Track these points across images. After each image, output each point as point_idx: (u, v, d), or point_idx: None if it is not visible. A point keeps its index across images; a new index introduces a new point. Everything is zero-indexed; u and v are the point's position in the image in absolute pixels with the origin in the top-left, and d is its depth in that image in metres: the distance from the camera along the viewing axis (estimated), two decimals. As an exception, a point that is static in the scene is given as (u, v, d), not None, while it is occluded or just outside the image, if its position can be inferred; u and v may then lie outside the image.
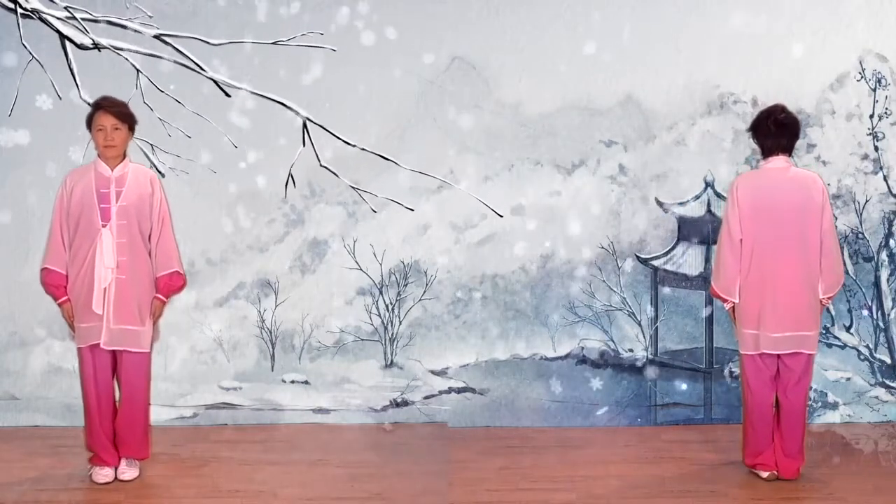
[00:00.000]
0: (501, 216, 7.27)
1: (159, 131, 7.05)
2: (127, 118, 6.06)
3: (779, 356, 6.04)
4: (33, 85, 7.03)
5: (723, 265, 6.07)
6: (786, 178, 6.00)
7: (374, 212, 7.25)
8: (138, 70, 7.00)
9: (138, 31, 6.99)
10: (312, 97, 7.17)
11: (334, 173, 7.14)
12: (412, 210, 7.24)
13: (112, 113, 6.00)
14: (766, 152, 6.07)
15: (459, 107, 7.28)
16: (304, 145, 7.12)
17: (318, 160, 7.13)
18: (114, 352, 6.08)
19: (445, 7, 7.23)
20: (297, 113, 7.11)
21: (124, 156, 6.10)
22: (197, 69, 7.01)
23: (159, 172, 6.99)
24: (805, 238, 5.94)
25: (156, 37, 6.99)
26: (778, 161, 6.03)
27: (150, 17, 7.06)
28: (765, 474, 6.10)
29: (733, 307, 6.10)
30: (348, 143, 7.13)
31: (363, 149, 7.13)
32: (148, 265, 6.09)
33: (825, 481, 6.08)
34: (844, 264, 6.61)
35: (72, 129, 7.02)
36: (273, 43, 7.08)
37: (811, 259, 5.96)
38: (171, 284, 6.17)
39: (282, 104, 7.11)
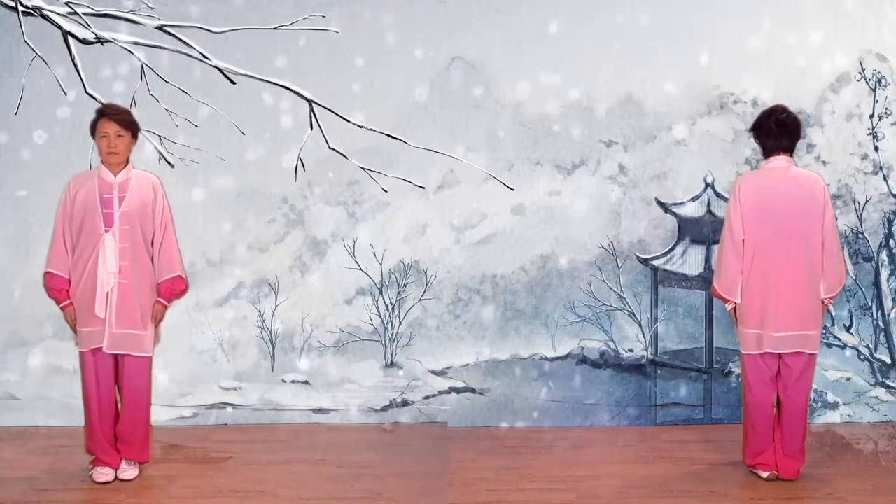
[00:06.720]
0: (513, 189, 7.24)
1: (166, 122, 7.06)
2: (130, 125, 6.09)
3: (780, 355, 6.04)
4: (37, 82, 7.04)
5: (725, 265, 6.07)
6: (787, 177, 6.01)
7: (385, 191, 7.23)
8: (143, 62, 7.01)
9: (140, 23, 6.99)
10: (313, 96, 7.19)
11: (343, 155, 7.12)
12: (423, 188, 7.23)
13: (115, 120, 6.04)
14: (768, 152, 6.07)
15: (459, 107, 7.28)
16: (311, 128, 7.11)
17: (327, 142, 7.12)
18: (116, 356, 6.10)
19: (445, 7, 7.23)
20: (302, 96, 7.09)
21: (127, 162, 6.13)
22: (200, 58, 7.01)
23: (168, 163, 7.05)
24: (807, 238, 5.95)
25: (158, 28, 7.00)
26: (779, 161, 6.04)
27: (152, 8, 7.06)
28: (765, 474, 6.10)
29: (735, 307, 6.10)
30: (356, 125, 7.11)
31: (370, 129, 7.11)
32: (150, 270, 6.12)
33: (825, 481, 6.08)
34: (845, 264, 6.61)
35: (73, 129, 7.04)
36: (275, 28, 7.07)
37: (813, 259, 5.96)
38: (173, 289, 6.19)
39: (287, 88, 7.09)
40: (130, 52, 7.00)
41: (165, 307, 6.20)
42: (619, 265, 7.33)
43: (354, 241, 7.35)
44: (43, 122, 7.19)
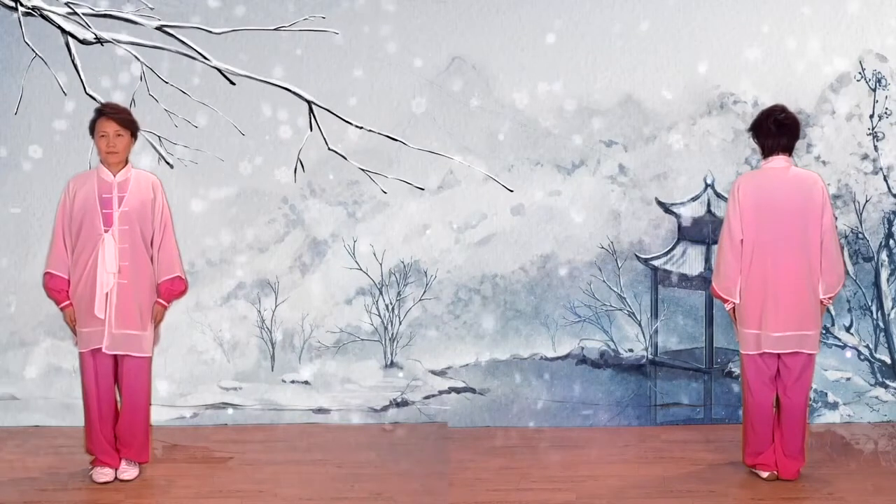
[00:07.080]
0: (511, 191, 7.25)
1: (166, 123, 7.06)
2: (129, 125, 6.08)
3: (779, 356, 6.04)
4: (36, 83, 7.04)
5: (723, 265, 6.06)
6: (786, 177, 6.00)
7: (385, 192, 7.23)
8: (143, 63, 7.01)
9: (140, 24, 6.99)
10: (312, 97, 7.19)
11: (343, 156, 7.13)
12: (422, 189, 7.24)
13: (114, 119, 6.03)
14: (767, 152, 6.07)
15: (459, 107, 7.28)
16: (311, 130, 7.12)
17: (326, 143, 7.13)
18: (115, 356, 6.10)
19: (445, 7, 7.24)
20: (302, 97, 7.10)
21: (127, 161, 6.12)
22: (200, 59, 7.01)
23: (168, 164, 7.06)
24: (806, 238, 5.94)
25: (158, 28, 7.00)
26: (778, 161, 6.03)
27: (152, 8, 7.07)
28: (765, 474, 6.10)
29: (734, 308, 6.10)
30: (356, 126, 7.11)
31: (370, 130, 7.12)
32: (150, 270, 6.11)
33: (825, 481, 6.08)
34: (844, 264, 6.61)
35: (72, 129, 7.04)
36: (275, 29, 7.07)
37: (812, 259, 5.96)
38: (173, 289, 6.18)
39: (286, 89, 7.09)
40: (132, 53, 7.00)
41: (165, 308, 6.19)
42: (619, 265, 7.33)
43: (354, 242, 7.35)
44: (42, 123, 7.18)
